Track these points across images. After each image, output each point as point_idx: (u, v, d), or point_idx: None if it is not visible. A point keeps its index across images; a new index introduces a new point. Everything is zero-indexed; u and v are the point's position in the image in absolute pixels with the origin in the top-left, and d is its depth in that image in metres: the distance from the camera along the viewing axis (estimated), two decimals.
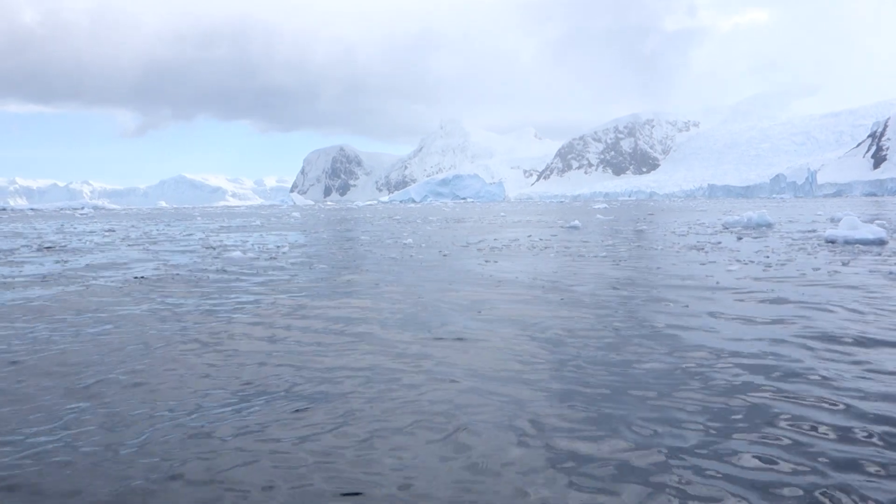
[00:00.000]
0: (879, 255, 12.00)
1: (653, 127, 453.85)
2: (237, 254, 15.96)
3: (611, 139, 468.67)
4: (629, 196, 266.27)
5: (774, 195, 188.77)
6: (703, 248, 14.36)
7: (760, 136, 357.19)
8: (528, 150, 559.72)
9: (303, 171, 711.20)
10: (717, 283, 8.89)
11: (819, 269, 10.14)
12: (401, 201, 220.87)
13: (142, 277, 10.87)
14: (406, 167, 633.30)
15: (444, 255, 14.33)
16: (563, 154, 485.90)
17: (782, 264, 10.80)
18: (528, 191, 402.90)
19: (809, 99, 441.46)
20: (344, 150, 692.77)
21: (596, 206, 65.27)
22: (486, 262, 12.59)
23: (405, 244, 17.93)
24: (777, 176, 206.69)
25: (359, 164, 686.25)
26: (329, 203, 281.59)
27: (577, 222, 23.45)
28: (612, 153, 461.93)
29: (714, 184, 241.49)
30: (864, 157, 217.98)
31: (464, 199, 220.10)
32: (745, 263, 11.14)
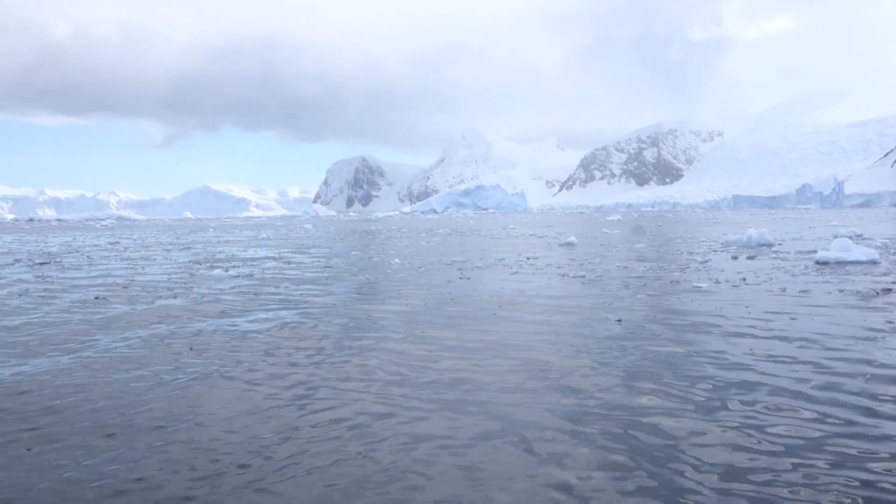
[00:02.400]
0: (866, 275, 11.53)
1: (676, 137, 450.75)
2: (218, 272, 15.95)
3: (633, 149, 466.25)
4: (652, 207, 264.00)
5: (800, 206, 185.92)
6: (687, 267, 13.97)
7: (786, 146, 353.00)
8: (550, 161, 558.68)
9: (326, 182, 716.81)
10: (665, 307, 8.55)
11: (785, 289, 9.76)
12: (422, 212, 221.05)
13: (101, 297, 10.78)
14: (428, 178, 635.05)
15: (420, 269, 14.10)
16: (585, 164, 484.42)
17: (754, 284, 10.42)
18: (550, 201, 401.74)
19: (835, 107, 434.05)
20: (366, 161, 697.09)
21: (609, 219, 64.60)
22: (453, 279, 12.33)
23: (390, 263, 17.73)
24: (803, 186, 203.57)
25: (381, 174, 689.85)
26: (351, 214, 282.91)
27: (573, 239, 23.05)
28: (635, 163, 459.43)
29: (738, 194, 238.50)
30: (892, 166, 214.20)
31: (486, 209, 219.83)
32: (717, 282, 10.78)
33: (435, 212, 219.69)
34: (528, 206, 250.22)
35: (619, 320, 7.30)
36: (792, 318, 7.64)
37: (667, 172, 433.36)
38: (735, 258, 16.71)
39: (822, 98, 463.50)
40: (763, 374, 5.27)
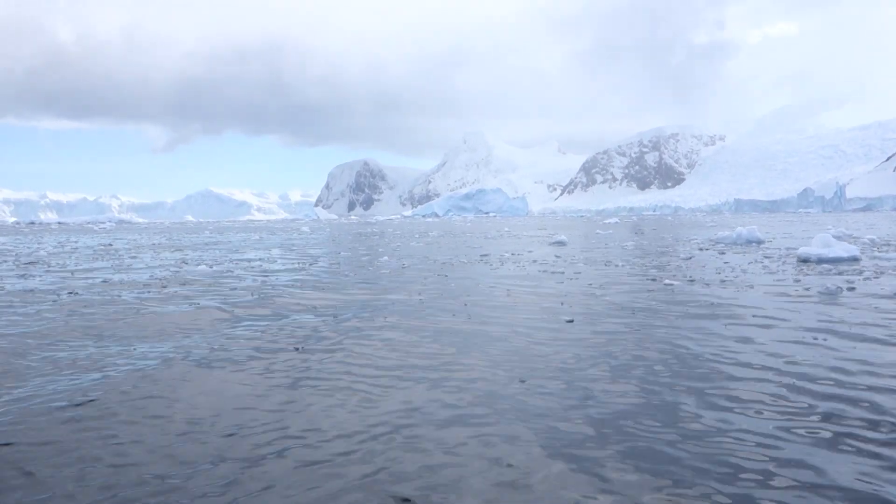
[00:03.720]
0: (840, 273, 11.50)
1: (678, 141, 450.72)
2: (202, 267, 16.00)
3: (635, 153, 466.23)
4: (653, 211, 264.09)
5: (802, 210, 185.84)
6: (668, 265, 13.95)
7: (787, 150, 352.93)
8: (551, 165, 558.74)
9: (327, 186, 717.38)
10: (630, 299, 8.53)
11: (753, 286, 9.75)
12: (424, 216, 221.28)
13: (75, 293, 10.79)
14: (430, 181, 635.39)
15: (405, 267, 14.09)
16: (587, 168, 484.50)
17: (726, 280, 10.39)
18: (551, 205, 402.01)
19: (838, 111, 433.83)
20: (368, 165, 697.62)
21: (606, 221, 64.56)
22: (429, 276, 12.32)
23: (375, 261, 17.71)
24: (805, 190, 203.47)
25: (383, 178, 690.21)
26: (353, 217, 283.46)
27: (563, 237, 23.06)
28: (637, 167, 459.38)
29: (740, 198, 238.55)
30: (894, 170, 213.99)
31: (487, 213, 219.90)
32: (691, 280, 10.77)
33: (436, 215, 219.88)
34: (529, 210, 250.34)
35: (571, 320, 7.29)
36: (749, 314, 7.62)
37: (668, 176, 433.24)
38: (722, 254, 16.70)
39: (825, 102, 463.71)
40: (676, 368, 5.25)
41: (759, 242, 21.04)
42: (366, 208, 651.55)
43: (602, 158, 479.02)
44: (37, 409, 4.35)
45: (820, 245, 14.24)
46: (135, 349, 6.21)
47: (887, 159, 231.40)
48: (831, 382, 4.55)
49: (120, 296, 10.42)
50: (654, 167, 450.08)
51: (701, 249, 18.99)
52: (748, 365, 5.08)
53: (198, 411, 4.28)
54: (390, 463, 3.37)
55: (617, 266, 14.17)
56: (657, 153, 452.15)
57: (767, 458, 3.32)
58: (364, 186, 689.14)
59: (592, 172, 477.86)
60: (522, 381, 4.76)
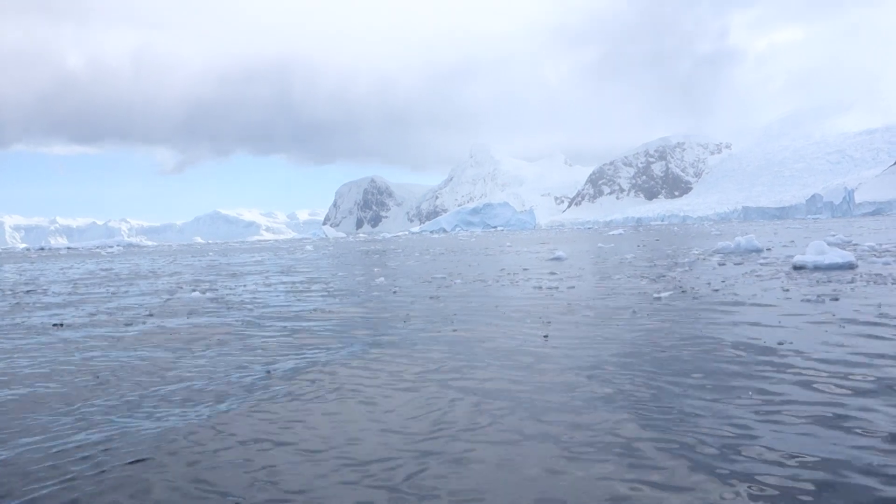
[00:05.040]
0: (830, 281, 11.34)
1: (684, 150, 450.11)
2: (196, 294, 15.99)
3: (641, 163, 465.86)
4: (662, 220, 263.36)
5: (810, 216, 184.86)
6: (662, 276, 13.82)
7: (794, 156, 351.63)
8: (558, 177, 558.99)
9: (335, 204, 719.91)
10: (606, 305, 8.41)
11: (738, 295, 9.62)
12: (431, 231, 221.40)
13: (60, 325, 10.76)
14: (437, 197, 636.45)
15: (395, 292, 14.01)
16: (593, 180, 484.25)
17: (716, 291, 10.27)
18: (559, 217, 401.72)
19: (844, 116, 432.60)
20: (375, 182, 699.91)
21: (611, 233, 64.31)
22: (416, 299, 12.23)
23: (369, 282, 17.65)
24: (813, 196, 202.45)
25: (390, 195, 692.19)
26: (361, 235, 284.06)
27: (561, 253, 22.94)
28: (644, 177, 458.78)
29: (748, 206, 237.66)
30: None
31: (495, 227, 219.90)
32: (682, 291, 10.65)
33: (444, 231, 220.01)
34: (537, 223, 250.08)
35: (546, 336, 7.21)
36: (724, 327, 7.50)
37: (675, 186, 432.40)
38: (722, 264, 16.55)
39: (831, 107, 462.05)
40: (640, 386, 5.14)
41: (759, 251, 20.89)
42: (374, 225, 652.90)
43: (609, 170, 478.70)
44: None
45: (815, 253, 14.09)
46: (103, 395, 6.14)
47: (895, 163, 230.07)
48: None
49: (98, 331, 10.39)
50: (660, 177, 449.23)
51: (699, 260, 18.85)
52: (706, 378, 4.97)
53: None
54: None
55: (611, 279, 14.06)
56: (663, 163, 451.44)
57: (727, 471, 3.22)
58: (371, 203, 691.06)
59: (599, 184, 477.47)
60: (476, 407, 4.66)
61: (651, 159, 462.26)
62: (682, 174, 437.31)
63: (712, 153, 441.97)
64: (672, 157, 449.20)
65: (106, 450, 4.14)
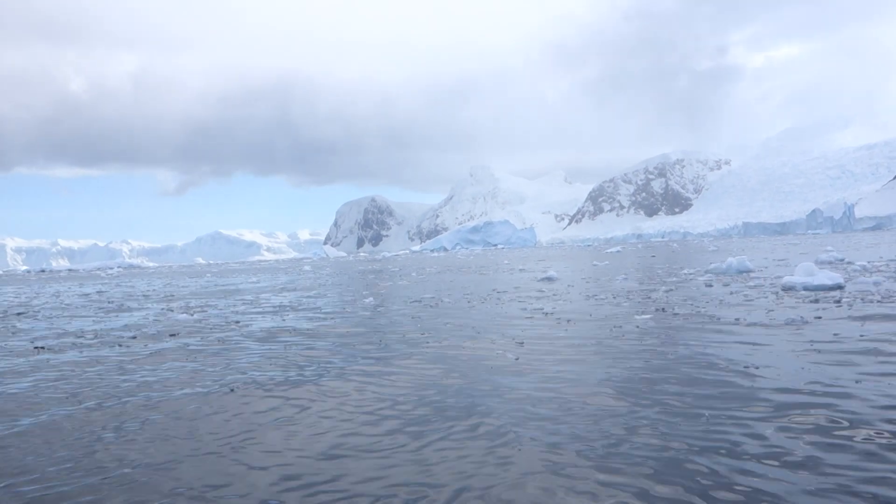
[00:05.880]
0: (816, 301, 11.27)
1: (683, 166, 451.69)
2: (183, 316, 15.95)
3: (641, 180, 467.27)
4: (662, 237, 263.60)
5: (811, 231, 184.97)
6: (648, 298, 13.76)
7: (794, 172, 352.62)
8: (558, 195, 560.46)
9: (336, 224, 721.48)
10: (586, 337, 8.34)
11: (719, 318, 9.55)
12: (432, 250, 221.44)
13: (42, 347, 10.70)
14: (437, 216, 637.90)
15: (378, 309, 13.95)
16: (593, 197, 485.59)
17: (697, 314, 10.21)
18: (560, 235, 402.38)
19: (843, 131, 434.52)
20: (375, 201, 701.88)
21: (608, 251, 64.29)
22: (397, 319, 12.17)
23: (358, 302, 17.60)
24: (813, 211, 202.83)
25: (390, 214, 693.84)
26: (361, 254, 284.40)
27: (553, 273, 22.88)
28: (644, 194, 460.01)
29: (749, 221, 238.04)
30: None
31: (495, 245, 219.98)
32: (663, 311, 10.58)
33: (445, 249, 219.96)
34: (537, 241, 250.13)
35: (517, 358, 7.16)
36: (696, 349, 7.43)
37: (675, 202, 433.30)
38: (710, 286, 16.47)
39: (829, 123, 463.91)
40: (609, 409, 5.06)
41: (749, 272, 20.82)
42: (374, 244, 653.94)
43: (609, 187, 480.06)
44: None
45: (803, 274, 14.03)
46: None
47: (894, 177, 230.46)
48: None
49: (77, 353, 10.32)
50: (660, 193, 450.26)
51: (688, 280, 18.78)
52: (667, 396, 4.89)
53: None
54: None
55: (596, 299, 14.00)
56: (663, 179, 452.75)
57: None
58: (372, 223, 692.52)
59: (599, 201, 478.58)
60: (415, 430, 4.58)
61: (651, 176, 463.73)
62: (682, 191, 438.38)
63: (712, 169, 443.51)
64: (671, 174, 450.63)
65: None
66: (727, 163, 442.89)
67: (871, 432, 4.21)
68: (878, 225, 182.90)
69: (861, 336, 7.62)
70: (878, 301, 10.81)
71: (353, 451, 4.44)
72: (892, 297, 11.21)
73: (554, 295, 15.92)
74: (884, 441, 4.04)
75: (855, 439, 4.10)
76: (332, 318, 13.38)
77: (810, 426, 4.40)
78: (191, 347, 9.95)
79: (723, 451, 4.02)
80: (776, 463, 3.81)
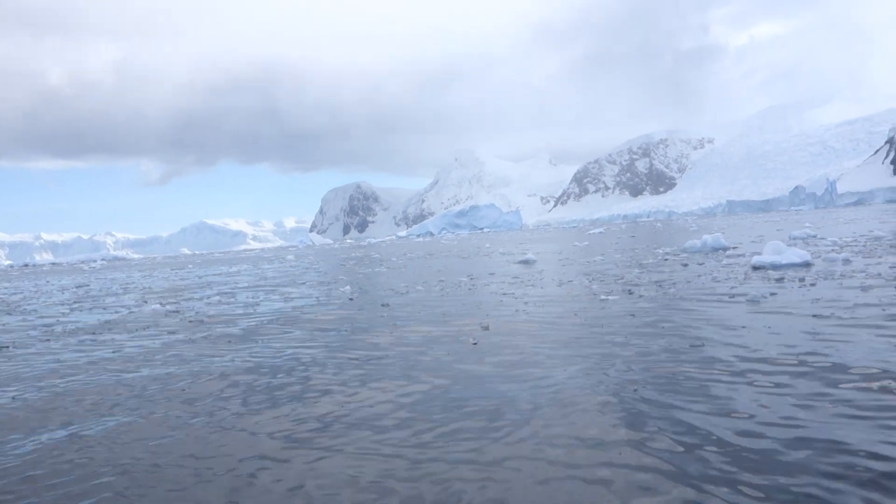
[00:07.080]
0: (780, 280, 11.40)
1: (667, 146, 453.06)
2: (156, 306, 15.92)
3: (625, 161, 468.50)
4: (647, 217, 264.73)
5: (794, 207, 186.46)
6: (620, 278, 13.86)
7: (776, 149, 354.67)
8: (543, 177, 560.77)
9: (321, 211, 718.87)
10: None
11: (682, 297, 9.65)
12: (418, 235, 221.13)
13: (6, 347, 10.63)
14: (423, 201, 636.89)
15: (352, 299, 13.96)
16: (578, 179, 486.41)
17: (664, 292, 10.30)
18: (546, 217, 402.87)
19: (823, 108, 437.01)
20: (361, 188, 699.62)
21: (590, 232, 64.54)
22: (366, 307, 12.19)
23: (335, 291, 17.58)
24: (796, 188, 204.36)
25: (376, 200, 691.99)
26: (348, 241, 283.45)
27: (530, 256, 23.00)
28: (628, 175, 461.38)
29: (732, 200, 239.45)
30: (882, 163, 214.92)
31: (481, 229, 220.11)
32: (629, 293, 10.67)
33: (431, 234, 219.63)
34: (523, 223, 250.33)
35: (475, 343, 7.21)
36: (656, 328, 7.51)
37: (660, 182, 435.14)
38: (685, 265, 16.58)
39: (811, 100, 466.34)
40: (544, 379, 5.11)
41: (725, 249, 20.99)
42: (361, 231, 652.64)
43: (593, 168, 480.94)
44: None
45: (772, 252, 14.16)
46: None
47: (875, 153, 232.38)
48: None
49: (44, 346, 10.27)
50: (645, 173, 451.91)
51: (663, 260, 18.91)
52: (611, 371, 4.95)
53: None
54: None
55: (569, 282, 14.09)
56: (647, 159, 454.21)
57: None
58: (358, 209, 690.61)
59: (584, 182, 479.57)
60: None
61: (635, 156, 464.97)
62: (666, 170, 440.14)
63: (695, 148, 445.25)
64: (655, 154, 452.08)
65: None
66: (710, 141, 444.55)
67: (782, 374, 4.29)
68: (860, 200, 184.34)
69: (811, 311, 7.73)
70: (839, 277, 10.97)
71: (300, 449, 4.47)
72: (853, 274, 11.34)
73: (529, 280, 15.98)
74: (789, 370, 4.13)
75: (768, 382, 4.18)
76: (300, 309, 13.40)
77: (744, 382, 4.47)
78: (159, 339, 9.93)
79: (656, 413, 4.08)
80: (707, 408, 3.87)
